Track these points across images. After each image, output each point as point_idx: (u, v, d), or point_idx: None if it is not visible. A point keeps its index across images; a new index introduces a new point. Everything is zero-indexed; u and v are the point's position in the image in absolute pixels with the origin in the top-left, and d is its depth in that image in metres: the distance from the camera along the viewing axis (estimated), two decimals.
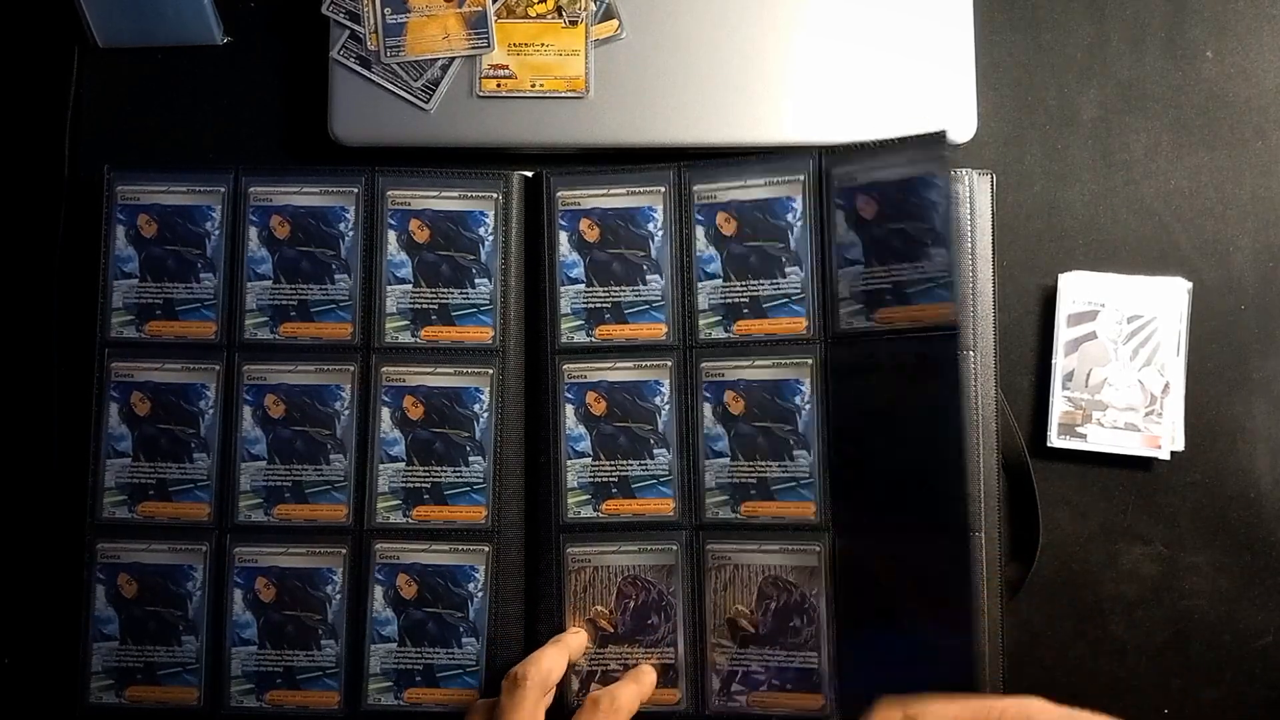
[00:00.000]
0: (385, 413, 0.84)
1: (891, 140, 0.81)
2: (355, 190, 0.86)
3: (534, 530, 0.84)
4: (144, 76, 0.91)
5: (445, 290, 0.85)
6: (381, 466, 0.84)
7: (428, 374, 0.84)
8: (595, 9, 0.88)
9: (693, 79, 0.87)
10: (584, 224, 0.85)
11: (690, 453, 0.83)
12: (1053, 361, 0.86)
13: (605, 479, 0.83)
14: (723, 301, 0.84)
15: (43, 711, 0.87)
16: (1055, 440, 0.86)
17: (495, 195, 0.85)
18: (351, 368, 0.84)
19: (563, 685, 0.81)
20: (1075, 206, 0.89)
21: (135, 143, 0.91)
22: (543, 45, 0.88)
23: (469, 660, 0.82)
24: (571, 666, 0.81)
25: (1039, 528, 0.86)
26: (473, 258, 0.85)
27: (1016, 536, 0.86)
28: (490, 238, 0.85)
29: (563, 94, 0.87)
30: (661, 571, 0.83)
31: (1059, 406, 0.86)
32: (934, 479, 0.78)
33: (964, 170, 0.85)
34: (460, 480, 0.83)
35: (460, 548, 0.83)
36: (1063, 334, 0.86)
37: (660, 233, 0.85)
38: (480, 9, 0.87)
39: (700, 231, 0.84)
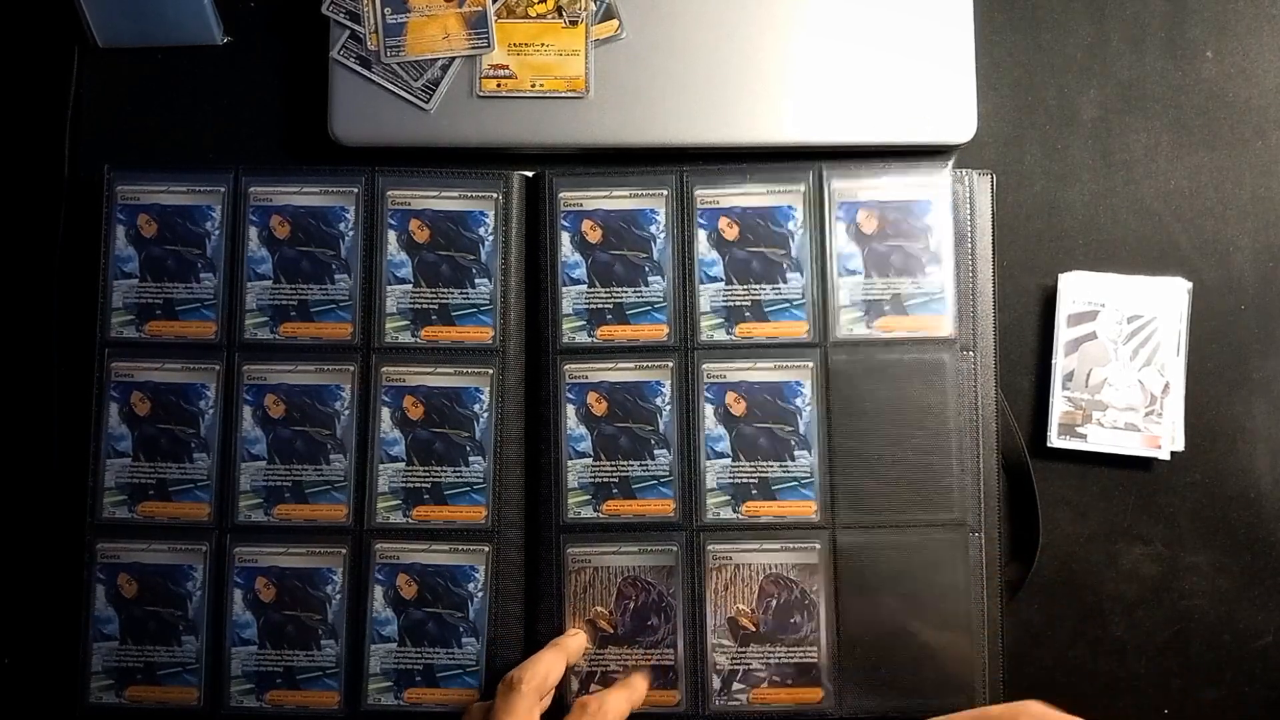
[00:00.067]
0: (385, 413, 0.84)
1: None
2: (355, 190, 0.86)
3: (534, 530, 0.84)
4: (144, 76, 0.91)
5: (445, 290, 0.85)
6: (381, 466, 0.84)
7: (428, 374, 0.84)
8: (595, 9, 0.88)
9: (693, 79, 0.87)
10: (586, 225, 0.85)
11: (691, 453, 0.83)
12: (1053, 361, 0.86)
13: (606, 479, 0.83)
14: (724, 304, 0.84)
15: (43, 711, 0.87)
16: (1055, 440, 0.86)
17: (495, 195, 0.85)
18: (351, 368, 0.84)
19: (562, 686, 0.81)
20: (1075, 206, 0.89)
21: (135, 143, 0.91)
22: (543, 45, 0.88)
23: (469, 660, 0.82)
24: (570, 669, 0.81)
25: (1039, 528, 0.86)
26: (473, 258, 0.85)
27: (1016, 536, 0.86)
28: (490, 238, 0.85)
29: (563, 94, 0.87)
30: (661, 572, 0.83)
31: (1059, 406, 0.86)
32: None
33: (964, 170, 0.85)
34: (460, 480, 0.83)
35: (460, 548, 0.83)
36: (1063, 334, 0.86)
37: (662, 235, 0.85)
38: (480, 9, 0.87)
39: (702, 235, 0.84)
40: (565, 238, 0.85)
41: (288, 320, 0.85)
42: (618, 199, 0.85)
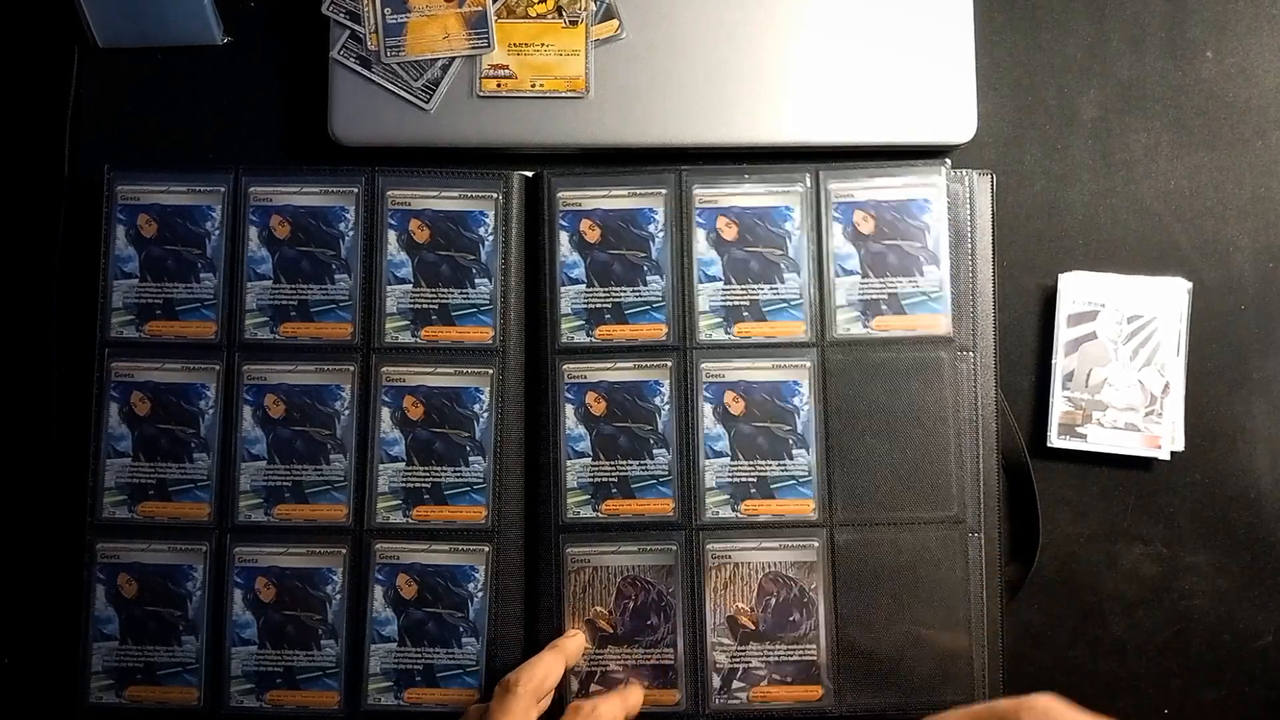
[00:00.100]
0: (385, 413, 0.84)
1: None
2: (355, 190, 0.86)
3: (533, 530, 0.84)
4: (144, 76, 0.91)
5: (445, 290, 0.85)
6: (381, 466, 0.84)
7: (428, 374, 0.84)
8: (595, 9, 0.88)
9: (693, 79, 0.87)
10: (585, 224, 0.85)
11: (690, 453, 0.83)
12: (1053, 361, 0.86)
13: (605, 479, 0.83)
14: (723, 304, 0.84)
15: (43, 711, 0.87)
16: (1055, 440, 0.86)
17: (495, 195, 0.85)
18: (351, 368, 0.84)
19: (562, 687, 0.81)
20: (1075, 206, 0.89)
21: (135, 143, 0.91)
22: (543, 45, 0.88)
23: (469, 660, 0.82)
24: (570, 670, 0.81)
25: (1039, 528, 0.86)
26: (473, 258, 0.85)
27: (1016, 536, 0.86)
28: (490, 238, 0.85)
29: (563, 94, 0.87)
30: (661, 572, 0.83)
31: (1059, 406, 0.86)
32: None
33: (964, 170, 0.85)
34: (460, 480, 0.83)
35: (460, 548, 0.83)
36: (1063, 334, 0.86)
37: (661, 234, 0.85)
38: (480, 9, 0.87)
39: (701, 235, 0.85)
40: (564, 237, 0.85)
41: (288, 320, 0.85)
42: (616, 199, 0.85)
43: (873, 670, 0.82)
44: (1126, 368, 0.85)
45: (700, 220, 0.85)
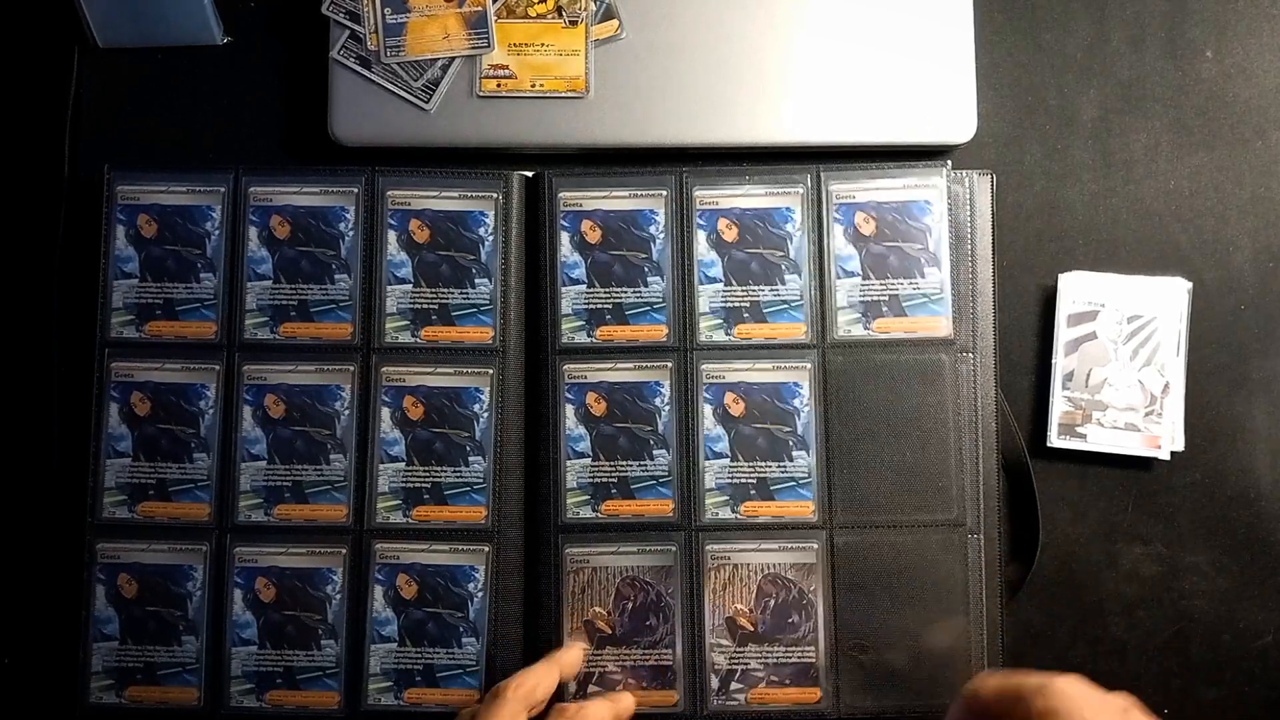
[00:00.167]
0: (385, 413, 0.84)
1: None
2: (355, 190, 0.86)
3: (533, 530, 0.84)
4: (144, 76, 0.91)
5: (445, 290, 0.85)
6: (381, 466, 0.84)
7: (428, 374, 0.84)
8: (595, 9, 0.88)
9: (693, 79, 0.87)
10: (586, 225, 0.85)
11: (690, 454, 0.83)
12: (1053, 361, 0.86)
13: (605, 479, 0.83)
14: (723, 305, 0.84)
15: (43, 711, 0.87)
16: (1055, 440, 0.86)
17: (495, 195, 0.85)
18: (351, 368, 0.84)
19: (560, 688, 0.81)
20: (1075, 206, 0.89)
21: (135, 143, 0.91)
22: (543, 45, 0.88)
23: (469, 660, 0.82)
24: (563, 685, 0.81)
25: (1039, 528, 0.86)
26: (473, 258, 0.85)
27: (1016, 536, 0.86)
28: (490, 238, 0.85)
29: (563, 94, 0.87)
30: (660, 573, 0.83)
31: (1059, 406, 0.86)
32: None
33: (964, 170, 0.85)
34: (460, 480, 0.83)
35: (460, 548, 0.83)
36: (1063, 334, 0.86)
37: (662, 235, 0.85)
38: (480, 9, 0.87)
39: (702, 236, 0.85)
40: (565, 238, 0.85)
41: (288, 320, 0.85)
42: (617, 199, 0.85)
43: (871, 672, 0.82)
44: (1126, 368, 0.85)
45: (701, 221, 0.85)
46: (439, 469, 0.83)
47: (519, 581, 0.84)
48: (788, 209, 0.85)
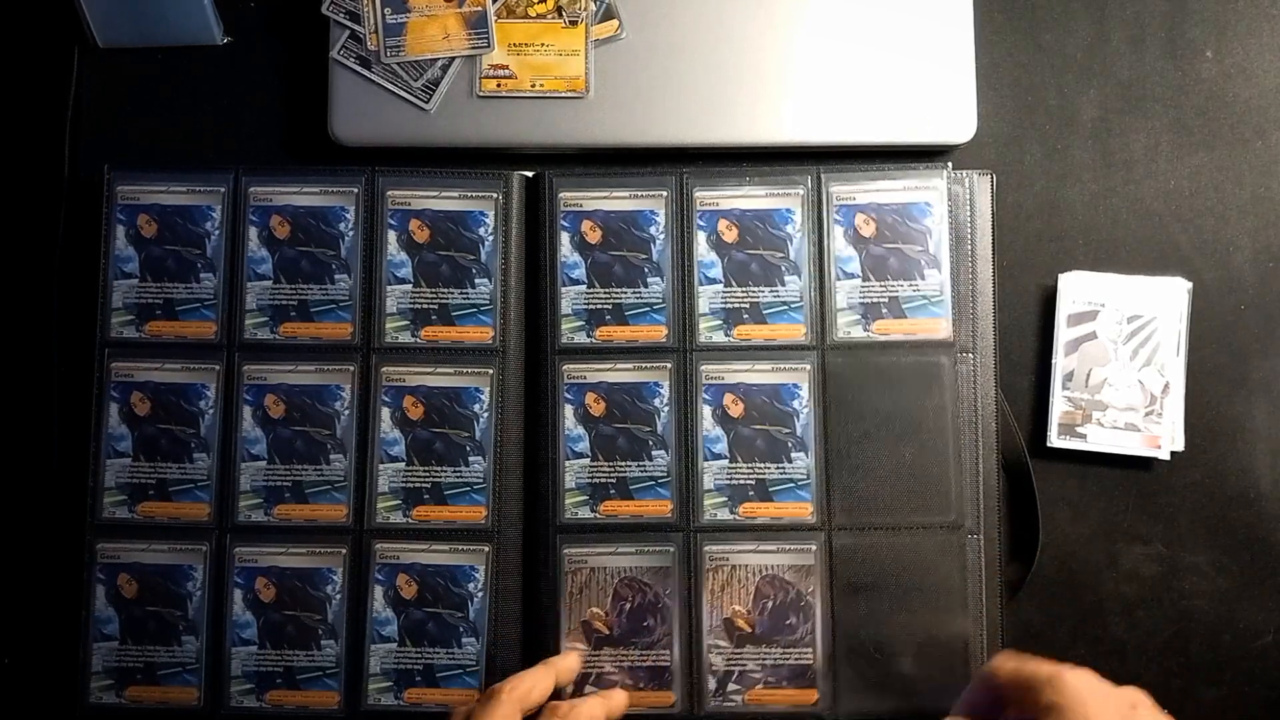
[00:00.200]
0: (385, 413, 0.84)
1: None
2: (355, 190, 0.86)
3: (531, 531, 0.84)
4: (144, 76, 0.91)
5: (445, 290, 0.85)
6: (381, 466, 0.84)
7: (428, 374, 0.84)
8: (595, 9, 0.88)
9: (693, 79, 0.87)
10: (586, 225, 0.85)
11: (689, 455, 0.83)
12: (1053, 361, 0.86)
13: (603, 480, 0.83)
14: (723, 306, 0.84)
15: (43, 711, 0.87)
16: (1055, 440, 0.86)
17: (495, 195, 0.85)
18: (351, 368, 0.84)
19: (556, 693, 0.81)
20: (1075, 206, 0.89)
21: (135, 143, 0.91)
22: (543, 45, 0.88)
23: (469, 660, 0.82)
24: (560, 689, 0.81)
25: (1039, 528, 0.86)
26: (473, 258, 0.85)
27: (1016, 536, 0.86)
28: (490, 238, 0.85)
29: (563, 94, 0.87)
30: (658, 573, 0.83)
31: (1059, 406, 0.86)
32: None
33: (964, 171, 0.85)
34: (460, 480, 0.83)
35: (460, 548, 0.83)
36: (1063, 334, 0.86)
37: (662, 236, 0.85)
38: (480, 9, 0.87)
39: (702, 237, 0.85)
40: (565, 238, 0.85)
41: (288, 320, 0.85)
42: (618, 200, 0.85)
43: (869, 675, 0.82)
44: (1126, 368, 0.85)
45: (701, 222, 0.85)
46: (439, 469, 0.84)
47: (519, 581, 0.84)
48: (788, 210, 0.85)
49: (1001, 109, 0.90)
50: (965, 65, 0.87)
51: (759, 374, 0.83)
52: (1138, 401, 0.85)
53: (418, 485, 0.83)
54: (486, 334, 0.84)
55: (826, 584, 0.82)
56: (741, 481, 0.83)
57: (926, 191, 0.84)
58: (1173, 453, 0.85)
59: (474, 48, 0.87)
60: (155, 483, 0.84)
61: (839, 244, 0.84)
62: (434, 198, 0.85)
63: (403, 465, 0.84)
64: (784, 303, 0.84)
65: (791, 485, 0.83)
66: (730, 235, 0.84)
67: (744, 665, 0.82)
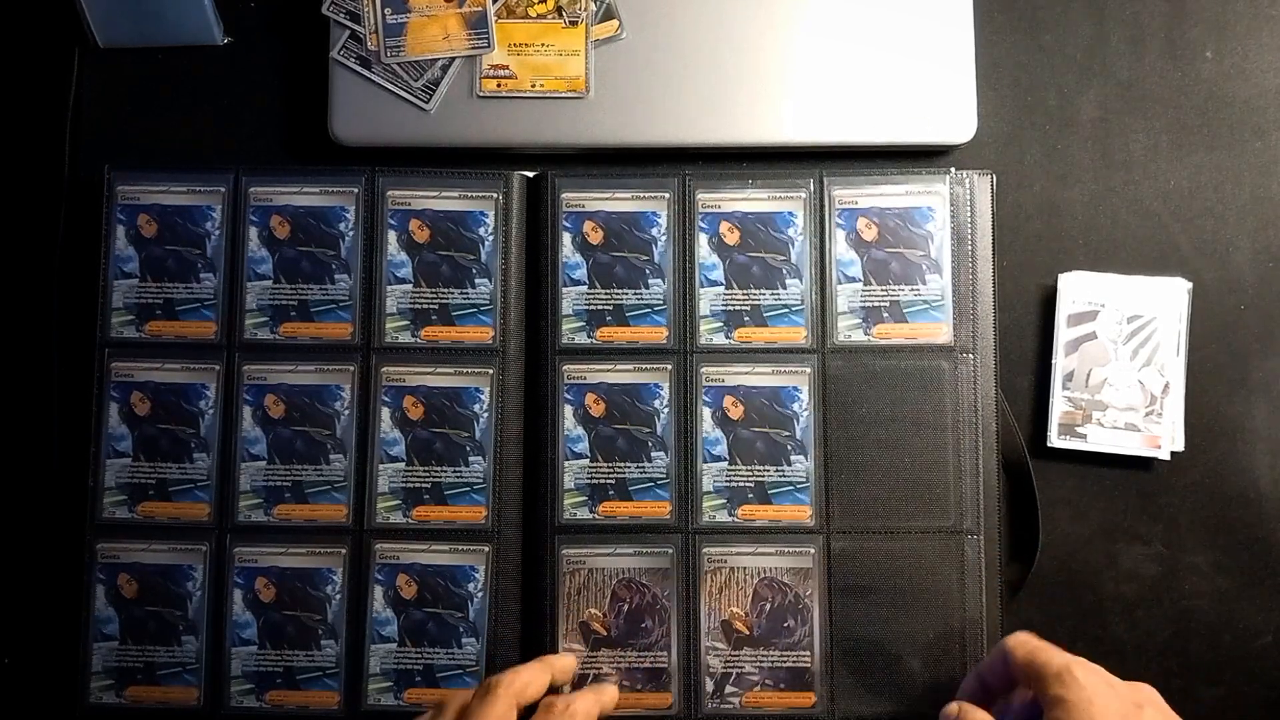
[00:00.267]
0: (385, 413, 0.84)
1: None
2: (355, 190, 0.86)
3: (530, 531, 0.84)
4: (144, 76, 0.91)
5: (445, 290, 0.85)
6: (381, 466, 0.84)
7: (428, 374, 0.84)
8: (595, 9, 0.88)
9: (693, 79, 0.87)
10: (588, 226, 0.85)
11: (688, 456, 0.83)
12: (1053, 361, 0.86)
13: (602, 481, 0.83)
14: (724, 308, 0.84)
15: (43, 711, 0.87)
16: (1055, 440, 0.86)
17: (495, 195, 0.85)
18: (351, 368, 0.84)
19: (553, 688, 0.81)
20: (1075, 206, 0.89)
21: (135, 143, 0.91)
22: (543, 45, 0.88)
23: (469, 660, 0.82)
24: (557, 688, 0.81)
25: (1039, 528, 0.86)
26: (473, 258, 0.85)
27: (1016, 536, 0.86)
28: (490, 238, 0.85)
29: (563, 94, 0.87)
30: (656, 575, 0.83)
31: (1059, 406, 0.86)
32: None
33: (964, 171, 0.85)
34: (460, 480, 0.83)
35: (460, 548, 0.83)
36: (1063, 334, 0.86)
37: (663, 238, 0.85)
38: (480, 9, 0.87)
39: (704, 239, 0.85)
40: (567, 238, 0.85)
41: (288, 320, 0.85)
42: (619, 201, 0.85)
43: (866, 678, 0.82)
44: (1126, 368, 0.85)
45: (703, 224, 0.85)
46: (439, 469, 0.84)
47: (519, 582, 0.84)
48: (790, 213, 0.85)
49: (1001, 109, 0.90)
50: (965, 65, 0.87)
51: (759, 376, 0.83)
52: (1138, 401, 0.85)
53: (418, 485, 0.83)
54: (486, 334, 0.84)
55: (825, 587, 0.82)
56: (740, 484, 0.83)
57: (929, 196, 0.84)
58: (1173, 453, 0.85)
59: (474, 48, 0.87)
60: (155, 483, 0.84)
61: (840, 247, 0.84)
62: (434, 198, 0.85)
63: (403, 465, 0.84)
64: (785, 306, 0.84)
65: (790, 488, 0.83)
66: (732, 237, 0.84)
67: (741, 667, 0.82)
